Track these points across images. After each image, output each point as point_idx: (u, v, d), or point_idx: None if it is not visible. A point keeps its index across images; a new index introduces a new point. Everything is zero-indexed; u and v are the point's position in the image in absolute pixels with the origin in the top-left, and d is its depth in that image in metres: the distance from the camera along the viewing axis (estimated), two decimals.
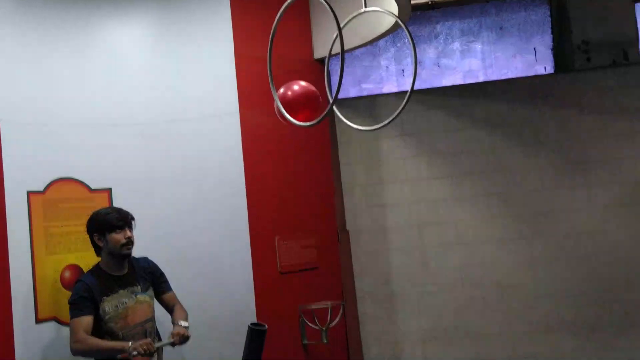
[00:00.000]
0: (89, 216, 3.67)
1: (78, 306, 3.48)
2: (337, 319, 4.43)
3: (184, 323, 3.63)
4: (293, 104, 3.11)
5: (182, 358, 4.13)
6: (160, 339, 3.69)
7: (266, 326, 3.38)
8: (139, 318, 3.63)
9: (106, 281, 3.59)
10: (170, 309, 3.78)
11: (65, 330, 3.70)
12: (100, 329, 3.52)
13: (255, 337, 3.36)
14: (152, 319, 3.72)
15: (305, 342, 4.45)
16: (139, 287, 3.68)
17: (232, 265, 4.26)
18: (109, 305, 3.55)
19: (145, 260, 3.81)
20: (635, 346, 4.71)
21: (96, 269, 3.64)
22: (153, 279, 3.77)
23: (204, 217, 4.26)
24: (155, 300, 3.79)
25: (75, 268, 3.93)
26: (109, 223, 3.58)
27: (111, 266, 3.63)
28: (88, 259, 3.77)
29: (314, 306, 4.41)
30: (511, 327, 4.84)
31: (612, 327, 4.75)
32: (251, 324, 3.39)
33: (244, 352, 3.39)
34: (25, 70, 3.93)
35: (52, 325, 3.83)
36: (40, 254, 3.83)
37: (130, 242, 3.61)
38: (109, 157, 4.14)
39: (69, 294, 3.63)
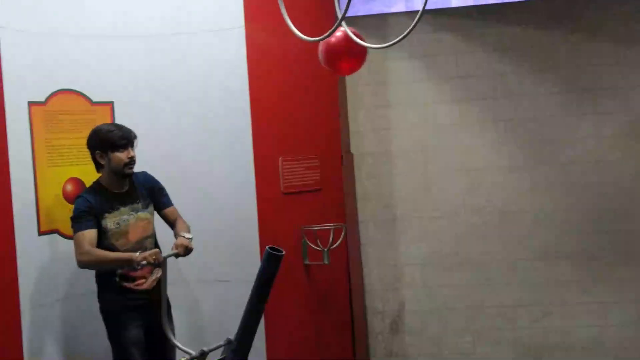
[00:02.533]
0: (91, 130, 3.62)
1: (81, 220, 3.47)
2: (339, 241, 4.45)
3: (187, 235, 3.62)
4: (335, 51, 2.98)
5: (183, 277, 4.16)
6: None
7: (284, 252, 3.37)
8: (140, 235, 3.64)
9: (107, 198, 3.57)
10: (172, 223, 3.77)
11: (67, 243, 3.71)
12: (100, 244, 3.52)
13: (272, 261, 3.36)
14: (152, 236, 3.72)
15: (307, 262, 4.47)
16: (140, 205, 3.66)
17: (235, 184, 4.24)
18: (110, 222, 3.54)
19: (144, 175, 3.77)
20: (634, 276, 4.73)
21: (97, 185, 3.62)
22: (153, 194, 3.75)
23: (207, 135, 4.21)
24: (156, 216, 3.79)
25: (77, 181, 3.90)
26: (111, 142, 3.52)
27: (112, 183, 3.60)
28: (90, 173, 3.73)
29: (316, 227, 4.41)
30: (511, 254, 4.84)
31: (612, 256, 4.75)
32: (269, 247, 3.38)
33: (257, 275, 3.39)
34: None
35: (54, 237, 3.83)
36: (42, 165, 3.79)
37: (132, 161, 3.57)
38: (111, 70, 4.05)
39: (71, 207, 3.61)
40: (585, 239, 4.78)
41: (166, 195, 3.80)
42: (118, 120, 3.95)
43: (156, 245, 3.73)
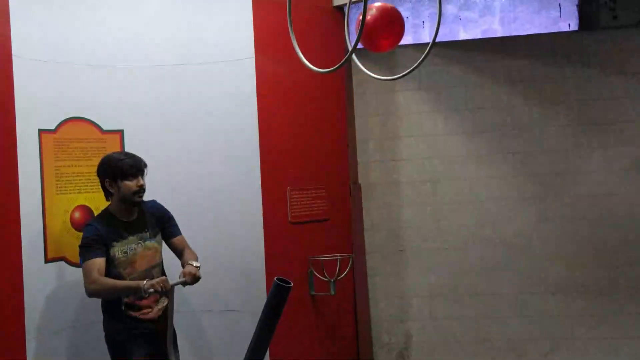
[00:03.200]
0: (100, 158, 3.62)
1: (90, 249, 3.45)
2: (346, 272, 4.43)
3: (195, 263, 3.60)
4: (375, 30, 2.89)
5: (190, 306, 4.14)
6: None
7: (292, 284, 3.36)
8: (147, 264, 3.62)
9: (116, 227, 3.56)
10: (179, 252, 3.75)
11: (74, 271, 3.71)
12: (108, 273, 3.50)
13: (280, 292, 3.34)
14: (159, 265, 3.71)
15: (313, 293, 4.45)
16: (148, 234, 3.65)
17: (243, 213, 4.23)
18: (118, 251, 3.53)
19: (153, 203, 3.77)
20: None
21: (105, 213, 3.61)
22: (161, 223, 3.74)
23: (215, 164, 4.22)
24: (164, 245, 3.78)
25: (85, 209, 3.92)
26: (121, 170, 3.51)
27: (121, 212, 3.60)
28: (98, 200, 3.75)
29: (323, 258, 4.39)
30: (520, 287, 4.81)
31: (623, 290, 4.71)
32: (277, 278, 3.36)
33: (265, 306, 3.37)
34: (41, 7, 3.84)
35: (61, 265, 3.83)
36: (50, 193, 3.80)
37: (142, 190, 3.57)
38: (121, 98, 4.08)
39: (78, 234, 3.61)
40: (596, 272, 4.75)
41: (175, 224, 3.79)
42: (128, 149, 3.98)
43: (163, 275, 3.72)
